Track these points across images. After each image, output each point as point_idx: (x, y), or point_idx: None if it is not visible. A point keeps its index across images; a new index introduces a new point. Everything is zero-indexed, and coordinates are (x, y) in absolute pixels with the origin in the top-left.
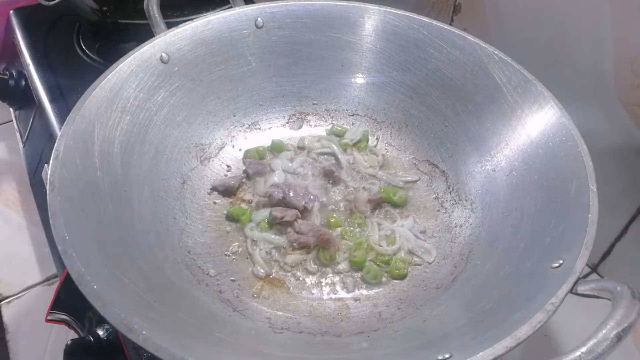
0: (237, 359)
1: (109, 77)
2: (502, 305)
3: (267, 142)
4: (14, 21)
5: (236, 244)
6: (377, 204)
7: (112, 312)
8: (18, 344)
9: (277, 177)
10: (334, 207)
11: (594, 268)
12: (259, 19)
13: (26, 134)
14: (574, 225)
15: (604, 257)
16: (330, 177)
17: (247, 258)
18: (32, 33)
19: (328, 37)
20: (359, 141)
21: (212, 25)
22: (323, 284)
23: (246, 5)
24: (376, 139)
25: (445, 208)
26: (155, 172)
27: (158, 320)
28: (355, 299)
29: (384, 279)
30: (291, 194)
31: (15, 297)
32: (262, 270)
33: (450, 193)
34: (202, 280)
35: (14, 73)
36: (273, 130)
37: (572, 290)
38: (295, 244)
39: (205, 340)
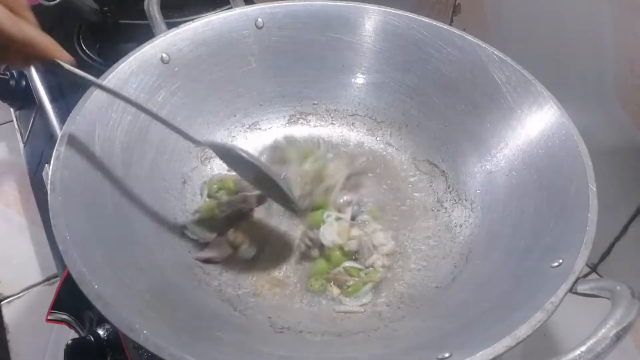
0: (237, 358)
1: (109, 77)
2: (502, 305)
3: (267, 142)
4: None
5: None
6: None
7: (113, 312)
8: (18, 343)
9: None
10: None
11: (593, 268)
12: (259, 20)
13: (27, 134)
14: (574, 225)
15: (603, 256)
16: None
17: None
18: None
19: (328, 38)
20: None
21: (213, 26)
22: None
23: (246, 6)
24: (376, 139)
25: (445, 208)
26: (156, 172)
27: (159, 320)
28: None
29: (367, 286)
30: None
31: (15, 297)
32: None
33: (450, 193)
34: (202, 280)
35: (15, 73)
36: (273, 130)
37: (572, 290)
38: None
39: (206, 340)
